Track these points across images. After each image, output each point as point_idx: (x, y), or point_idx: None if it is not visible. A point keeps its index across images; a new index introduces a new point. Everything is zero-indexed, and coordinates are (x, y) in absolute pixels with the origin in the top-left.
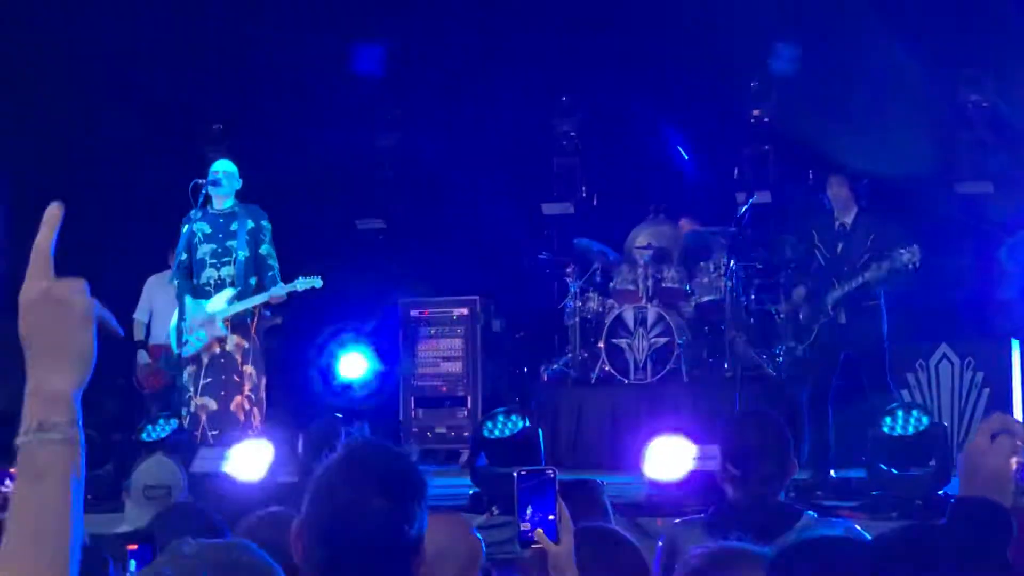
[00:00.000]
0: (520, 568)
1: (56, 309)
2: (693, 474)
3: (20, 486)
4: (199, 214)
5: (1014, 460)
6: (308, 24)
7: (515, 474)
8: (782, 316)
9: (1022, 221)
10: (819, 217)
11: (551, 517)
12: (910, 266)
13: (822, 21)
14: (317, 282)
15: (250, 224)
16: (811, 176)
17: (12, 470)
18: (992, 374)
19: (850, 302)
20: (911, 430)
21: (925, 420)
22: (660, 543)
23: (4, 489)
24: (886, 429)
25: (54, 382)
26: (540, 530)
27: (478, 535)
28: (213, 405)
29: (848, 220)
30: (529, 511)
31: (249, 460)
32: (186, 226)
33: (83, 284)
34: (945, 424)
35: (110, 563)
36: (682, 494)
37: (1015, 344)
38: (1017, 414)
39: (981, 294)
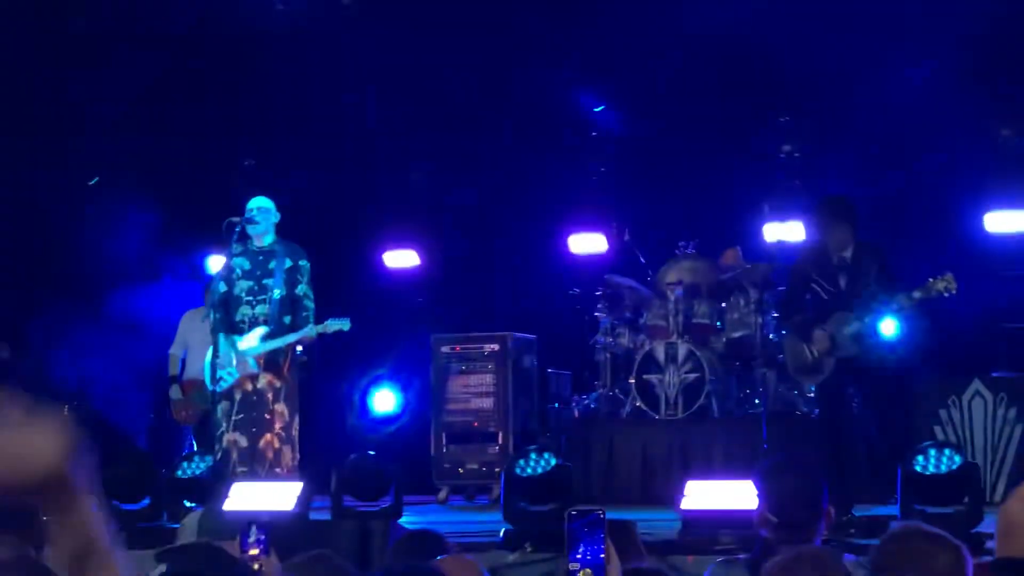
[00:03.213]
0: None
1: None
2: (726, 512)
3: None
4: (239, 249)
5: None
6: (337, 59)
7: (566, 514)
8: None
9: None
10: (811, 253)
11: (601, 557)
12: (945, 294)
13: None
14: (346, 324)
15: (288, 263)
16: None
17: None
18: None
19: (865, 336)
20: (943, 468)
21: (958, 459)
22: None
23: None
24: (918, 467)
25: None
26: (589, 570)
27: None
28: (244, 442)
29: (847, 253)
30: (580, 551)
31: (282, 498)
32: (226, 261)
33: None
34: (977, 463)
35: None
36: (714, 532)
37: None
38: None
39: (1012, 330)
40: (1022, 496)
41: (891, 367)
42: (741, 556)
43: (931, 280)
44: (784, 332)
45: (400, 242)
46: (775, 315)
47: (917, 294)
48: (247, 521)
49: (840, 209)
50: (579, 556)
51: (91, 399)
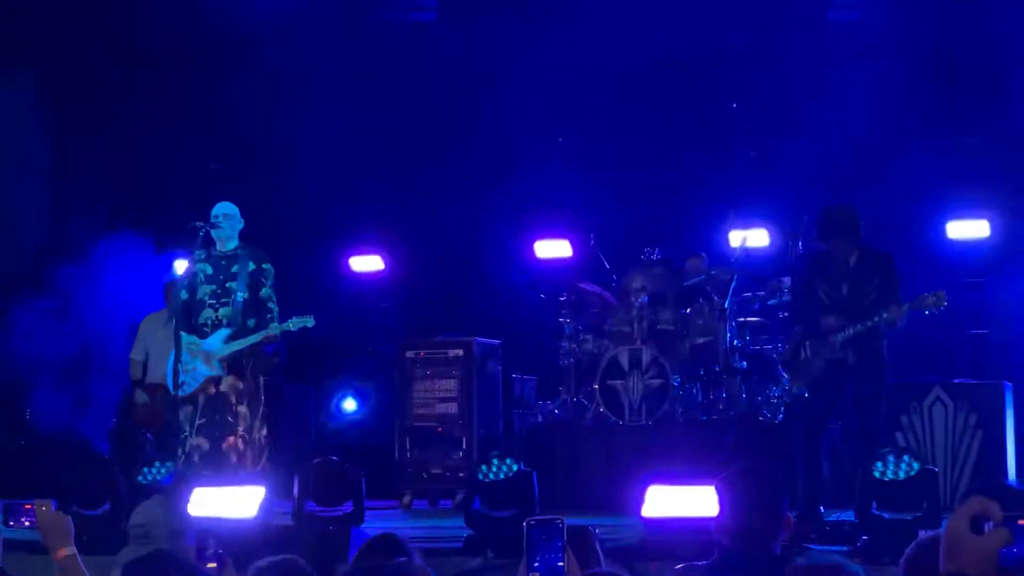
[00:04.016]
0: None
1: None
2: (687, 519)
3: None
4: (203, 255)
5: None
6: (303, 64)
7: (525, 523)
8: (782, 356)
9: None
10: (817, 258)
11: (560, 564)
12: (935, 309)
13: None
14: (310, 321)
15: (251, 266)
16: (805, 219)
17: (28, 505)
18: (985, 416)
19: (857, 342)
20: (902, 475)
21: (916, 465)
22: None
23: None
24: (877, 473)
25: None
26: None
27: None
28: (207, 445)
29: (851, 260)
30: (538, 560)
31: (244, 502)
32: (189, 267)
33: None
34: (936, 470)
35: None
36: (676, 539)
37: (1009, 387)
38: (1010, 456)
39: (974, 336)
40: (966, 512)
41: (879, 374)
42: (701, 563)
43: (924, 294)
44: (796, 331)
45: (366, 247)
46: (739, 320)
47: (907, 306)
48: (204, 533)
49: (839, 221)
50: (537, 564)
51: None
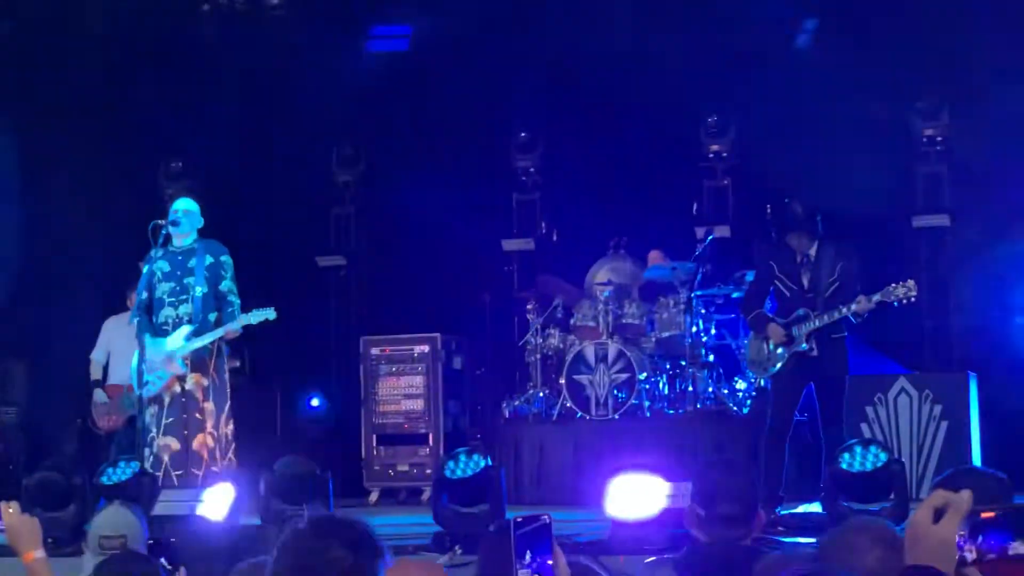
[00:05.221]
0: None
1: None
2: (656, 512)
3: None
4: (159, 253)
5: (958, 533)
6: (264, 59)
7: (511, 521)
8: (745, 349)
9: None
10: (777, 249)
11: (549, 562)
12: (905, 300)
13: (779, 54)
14: (271, 314)
15: (209, 260)
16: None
17: None
18: (951, 407)
19: (820, 334)
20: (869, 466)
21: (883, 456)
22: None
23: None
24: (844, 465)
25: None
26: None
27: None
28: (176, 445)
29: (811, 252)
30: (527, 557)
31: (212, 502)
32: (146, 266)
33: None
34: (903, 461)
35: None
36: (644, 532)
37: (973, 377)
38: (975, 447)
39: (938, 327)
40: (930, 505)
41: (842, 365)
42: (671, 556)
43: (892, 285)
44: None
45: (330, 243)
46: (704, 312)
47: (876, 297)
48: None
49: (793, 216)
50: (527, 563)
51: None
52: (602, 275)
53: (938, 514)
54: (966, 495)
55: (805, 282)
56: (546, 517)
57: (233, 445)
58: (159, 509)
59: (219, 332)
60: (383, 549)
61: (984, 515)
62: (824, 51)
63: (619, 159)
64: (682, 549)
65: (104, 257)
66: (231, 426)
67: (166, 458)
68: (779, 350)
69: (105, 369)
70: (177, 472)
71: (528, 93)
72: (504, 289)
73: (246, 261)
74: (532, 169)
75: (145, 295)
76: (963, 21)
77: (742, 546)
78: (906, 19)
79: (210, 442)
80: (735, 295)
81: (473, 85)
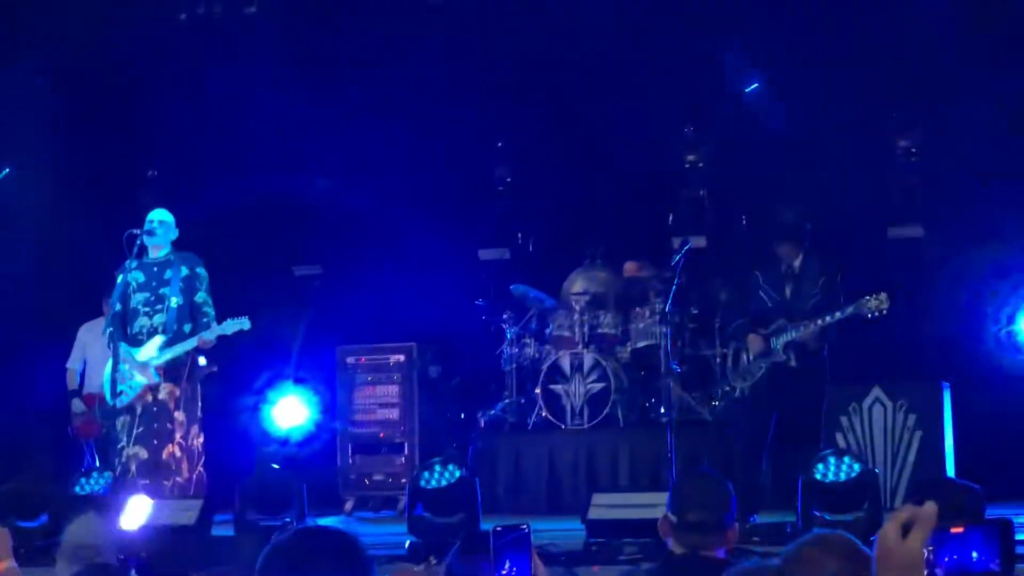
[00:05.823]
0: None
1: None
2: (630, 522)
3: None
4: (134, 263)
5: (926, 549)
6: (243, 68)
7: (491, 531)
8: (723, 359)
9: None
10: (763, 260)
11: (528, 573)
12: (877, 313)
13: (755, 65)
14: (245, 323)
15: (184, 271)
16: (744, 220)
17: None
18: (925, 417)
19: (798, 345)
20: (843, 476)
21: (857, 467)
22: None
23: None
24: (818, 475)
25: None
26: None
27: None
28: (144, 454)
29: (796, 263)
30: (506, 568)
31: (179, 511)
32: (120, 276)
33: None
34: (877, 471)
35: None
36: (619, 542)
37: (947, 387)
38: (949, 456)
39: (913, 337)
40: (897, 521)
41: (819, 379)
42: (646, 566)
43: (865, 298)
44: (731, 331)
45: (306, 252)
46: (679, 322)
47: (850, 309)
48: (128, 548)
49: (782, 224)
50: (505, 573)
51: None
52: (578, 285)
53: (906, 529)
54: (931, 509)
55: (788, 293)
56: (525, 527)
57: (204, 457)
58: (126, 520)
59: (193, 342)
60: (371, 563)
61: (953, 530)
62: (800, 64)
63: (595, 169)
64: (660, 560)
65: (82, 264)
66: (201, 437)
67: (134, 467)
68: (758, 360)
69: (82, 377)
70: (144, 482)
71: (504, 102)
72: (480, 299)
73: (222, 271)
74: (508, 178)
75: (119, 307)
76: (936, 33)
77: (717, 558)
78: (879, 32)
79: (178, 452)
80: (709, 305)
81: (449, 95)
